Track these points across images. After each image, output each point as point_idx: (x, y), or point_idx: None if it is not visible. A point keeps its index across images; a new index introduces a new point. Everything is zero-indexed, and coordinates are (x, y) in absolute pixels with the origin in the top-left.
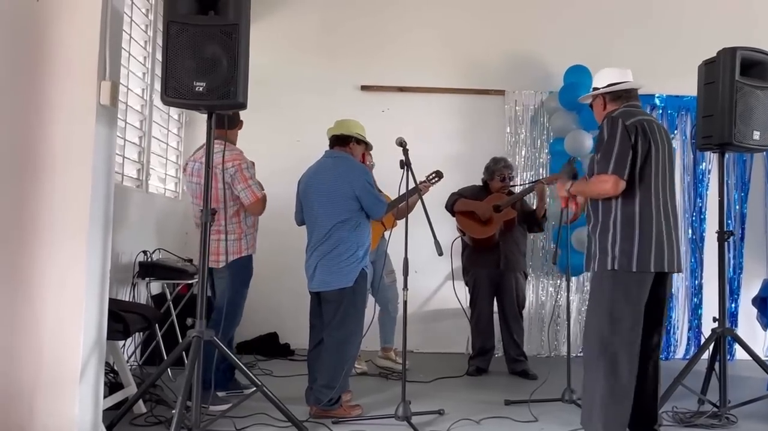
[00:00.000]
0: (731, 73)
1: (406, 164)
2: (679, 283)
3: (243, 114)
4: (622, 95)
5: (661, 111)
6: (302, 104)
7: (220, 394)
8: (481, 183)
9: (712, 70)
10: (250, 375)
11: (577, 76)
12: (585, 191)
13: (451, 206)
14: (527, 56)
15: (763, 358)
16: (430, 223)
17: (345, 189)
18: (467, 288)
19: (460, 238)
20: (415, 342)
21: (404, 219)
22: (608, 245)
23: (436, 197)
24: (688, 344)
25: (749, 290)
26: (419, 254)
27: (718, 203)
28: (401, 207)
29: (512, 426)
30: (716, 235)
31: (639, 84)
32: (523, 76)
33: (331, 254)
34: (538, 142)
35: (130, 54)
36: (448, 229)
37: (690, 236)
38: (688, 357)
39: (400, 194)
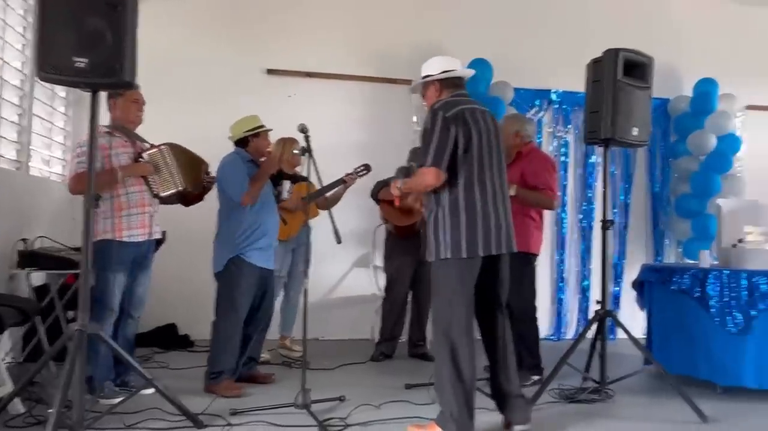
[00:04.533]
0: (614, 73)
1: (307, 151)
2: (570, 267)
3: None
4: (455, 83)
5: (557, 106)
6: (205, 86)
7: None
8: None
9: (598, 69)
10: (140, 369)
11: (478, 70)
12: (413, 186)
13: (375, 194)
14: (434, 48)
15: (642, 337)
16: (330, 212)
17: (218, 181)
18: (385, 275)
19: (383, 225)
20: (321, 330)
21: (310, 207)
22: (440, 234)
23: (359, 184)
24: (577, 325)
25: (631, 274)
26: (327, 242)
27: (602, 194)
28: (329, 197)
29: (410, 408)
30: (608, 222)
31: (469, 72)
32: None
33: (214, 241)
34: None
35: (5, 23)
36: (371, 217)
37: (580, 224)
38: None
39: (324, 184)
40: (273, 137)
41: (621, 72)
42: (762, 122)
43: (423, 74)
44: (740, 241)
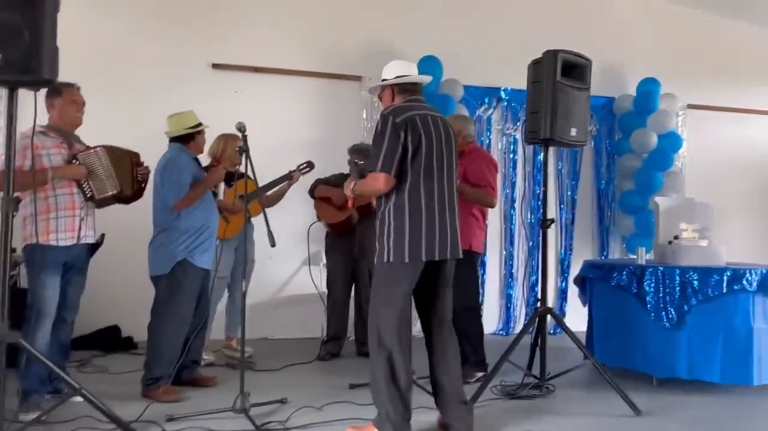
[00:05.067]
0: (553, 74)
1: (244, 151)
2: (519, 263)
3: (83, 89)
4: (408, 88)
5: (505, 103)
6: (147, 80)
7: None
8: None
9: (538, 70)
10: (66, 377)
11: (428, 67)
12: (364, 190)
13: (312, 192)
14: (384, 44)
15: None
16: (265, 213)
17: (159, 178)
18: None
19: (317, 223)
20: (270, 329)
21: (253, 205)
22: (384, 238)
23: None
24: (526, 320)
25: (578, 269)
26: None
27: (542, 193)
28: (272, 195)
29: (352, 409)
30: (551, 218)
31: (425, 78)
32: (379, 63)
33: (154, 241)
34: None
35: None
36: (307, 217)
37: (529, 220)
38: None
39: (260, 183)
40: (212, 134)
41: (560, 73)
42: (701, 121)
43: (381, 77)
44: (676, 238)
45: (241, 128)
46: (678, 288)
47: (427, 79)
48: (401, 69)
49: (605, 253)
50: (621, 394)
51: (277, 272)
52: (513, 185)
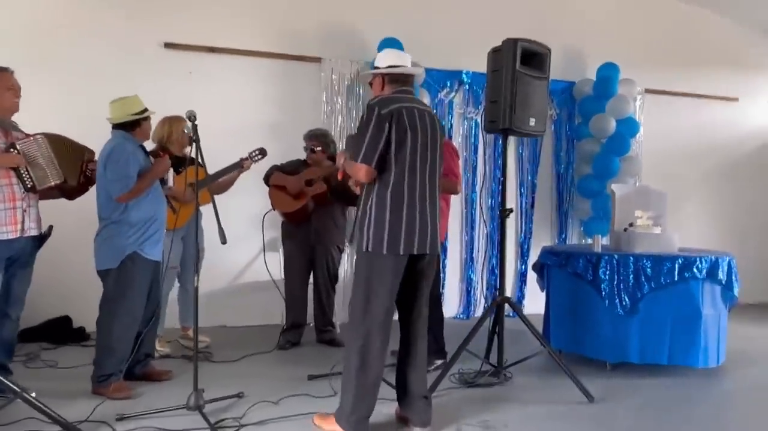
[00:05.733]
0: (513, 63)
1: (194, 141)
2: (479, 247)
3: (24, 70)
4: (399, 79)
5: (467, 87)
6: (94, 61)
7: None
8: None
9: (497, 59)
10: (6, 382)
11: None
12: (349, 172)
13: (267, 179)
14: (344, 24)
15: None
16: (215, 208)
17: (104, 168)
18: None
19: (273, 211)
20: (229, 317)
21: (201, 193)
22: (365, 228)
23: (253, 168)
24: (486, 304)
25: (537, 253)
26: (232, 227)
27: (502, 182)
28: (219, 183)
29: (310, 402)
30: (510, 207)
31: (417, 70)
32: (339, 45)
33: (100, 234)
34: (354, 112)
35: None
36: (265, 202)
37: (489, 205)
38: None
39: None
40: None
41: (519, 62)
42: (658, 106)
43: (374, 65)
44: (631, 225)
45: (191, 116)
46: (632, 276)
47: (419, 71)
48: (394, 59)
49: (563, 236)
50: (575, 381)
51: (236, 258)
52: (474, 169)
